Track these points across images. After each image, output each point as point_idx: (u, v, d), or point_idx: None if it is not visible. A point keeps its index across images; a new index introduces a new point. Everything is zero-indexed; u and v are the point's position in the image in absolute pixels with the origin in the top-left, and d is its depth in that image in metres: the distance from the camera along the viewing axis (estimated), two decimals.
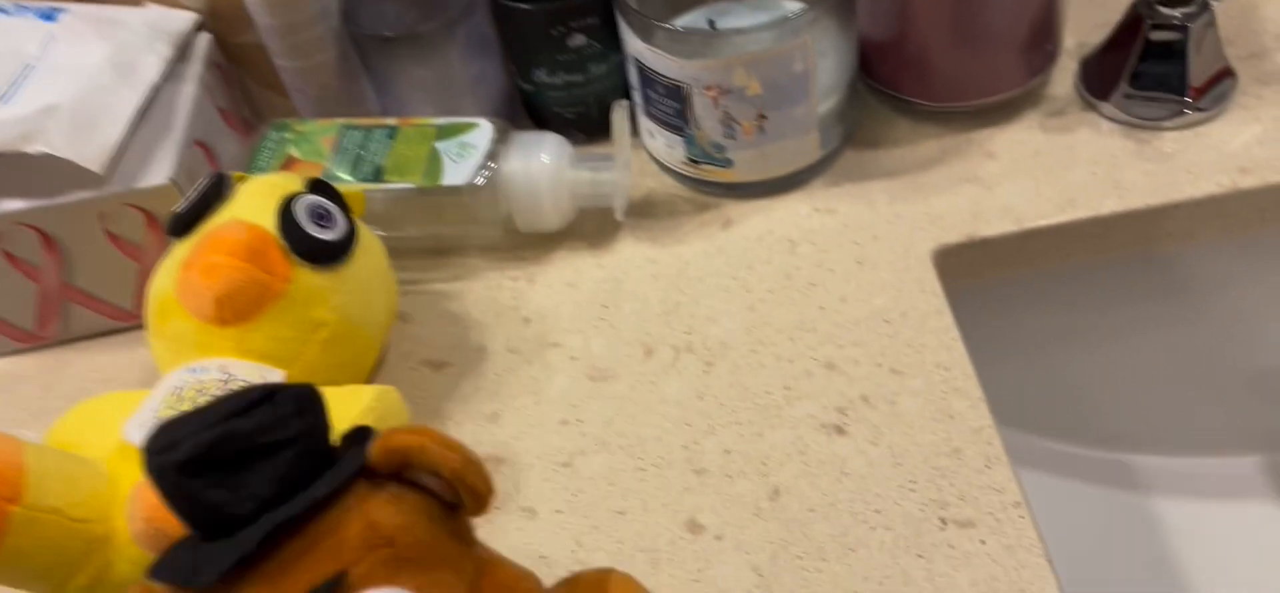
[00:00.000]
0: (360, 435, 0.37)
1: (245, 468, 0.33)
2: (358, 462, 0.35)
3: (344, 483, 0.34)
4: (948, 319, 0.59)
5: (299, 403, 0.35)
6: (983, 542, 0.50)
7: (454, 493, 0.35)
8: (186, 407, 0.44)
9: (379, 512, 0.34)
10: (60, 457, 0.49)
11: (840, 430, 0.56)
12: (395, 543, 0.34)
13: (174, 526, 0.42)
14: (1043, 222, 0.64)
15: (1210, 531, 0.77)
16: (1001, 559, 0.49)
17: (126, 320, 0.71)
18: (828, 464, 0.54)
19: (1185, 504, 0.78)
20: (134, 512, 0.43)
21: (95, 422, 0.56)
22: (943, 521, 0.51)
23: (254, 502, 0.33)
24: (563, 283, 0.67)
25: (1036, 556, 0.49)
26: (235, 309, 0.53)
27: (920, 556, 0.50)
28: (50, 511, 0.46)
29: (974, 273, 0.65)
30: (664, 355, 0.61)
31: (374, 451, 0.35)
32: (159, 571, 0.35)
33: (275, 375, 0.54)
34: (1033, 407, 0.79)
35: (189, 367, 0.54)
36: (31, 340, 0.71)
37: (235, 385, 0.51)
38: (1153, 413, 0.80)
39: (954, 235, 0.64)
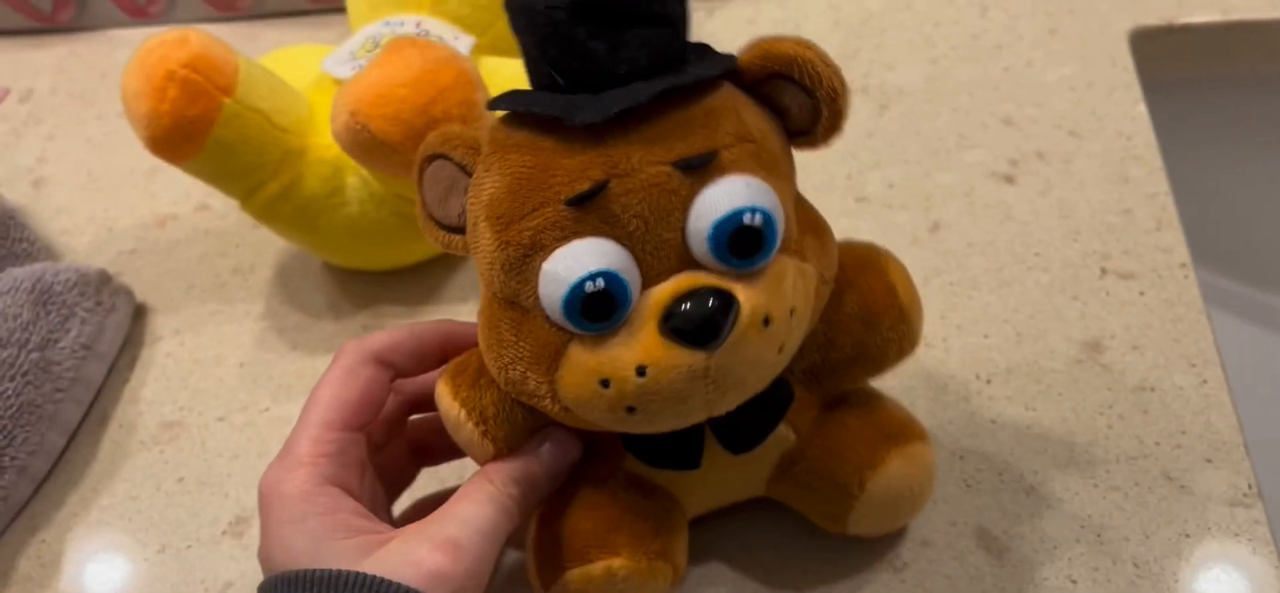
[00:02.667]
0: (701, 50, 0.36)
1: (627, 29, 0.32)
2: (731, 61, 0.34)
3: (720, 74, 0.34)
4: (1136, 93, 0.58)
5: None
6: (1142, 294, 0.49)
7: (811, 117, 0.34)
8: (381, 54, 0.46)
9: (747, 113, 0.33)
10: (267, 71, 0.52)
11: (1010, 180, 0.55)
12: (758, 143, 0.33)
13: (378, 120, 0.44)
14: (1250, 15, 0.61)
15: None
16: (1159, 311, 0.49)
17: (322, 2, 0.74)
18: (993, 208, 0.54)
19: None
20: (339, 107, 0.45)
21: (294, 62, 0.58)
22: (1103, 270, 0.50)
23: (629, 65, 0.32)
24: (743, 19, 0.67)
25: (1196, 312, 0.48)
26: None
27: (1075, 297, 0.50)
28: (256, 110, 0.49)
29: (1171, 61, 0.63)
30: None
31: (752, 53, 0.34)
32: (514, 101, 0.34)
33: (467, 40, 0.56)
34: (1207, 238, 0.76)
35: (385, 21, 0.57)
36: (228, 9, 0.75)
37: (432, 40, 0.53)
38: None
39: (1153, 17, 0.62)
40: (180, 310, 0.58)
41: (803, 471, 0.41)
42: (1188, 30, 0.62)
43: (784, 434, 0.40)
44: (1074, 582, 0.41)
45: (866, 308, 0.39)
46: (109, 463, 0.52)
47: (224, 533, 0.48)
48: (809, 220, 0.36)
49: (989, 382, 0.48)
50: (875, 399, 0.42)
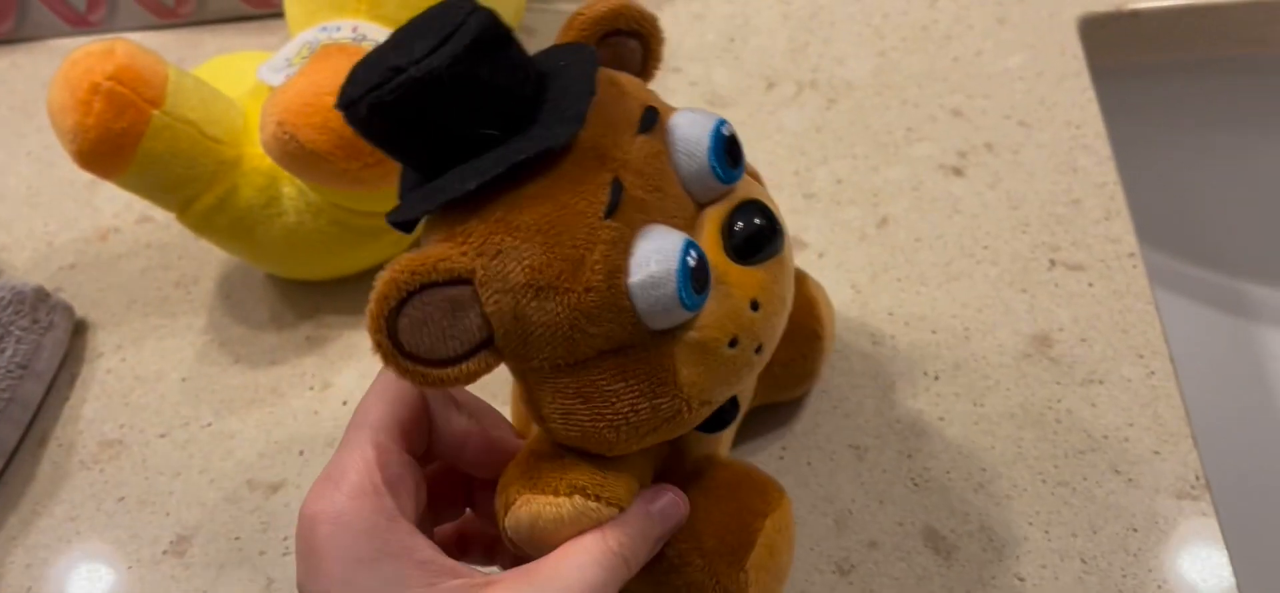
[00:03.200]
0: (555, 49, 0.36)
1: (511, 52, 0.31)
2: (591, 50, 0.34)
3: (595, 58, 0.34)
4: (1085, 81, 0.57)
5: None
6: (1090, 285, 0.49)
7: (642, 60, 0.36)
8: None
9: (623, 76, 0.34)
10: (199, 81, 0.50)
11: (958, 172, 0.55)
12: (653, 92, 0.35)
13: (307, 130, 0.43)
14: None
15: None
16: (1107, 302, 0.48)
17: (263, 7, 0.72)
18: (941, 201, 0.54)
19: None
20: (267, 117, 0.44)
21: (231, 70, 0.57)
22: (1052, 262, 0.50)
23: (534, 84, 0.31)
24: (691, 14, 0.67)
25: (1144, 302, 0.48)
26: None
27: (1024, 290, 0.49)
28: (186, 121, 0.48)
29: (1120, 48, 0.62)
30: (786, 90, 0.61)
31: (586, 30, 0.34)
32: (466, 177, 0.30)
33: None
34: (1157, 220, 0.76)
35: (321, 27, 0.56)
36: (169, 16, 0.73)
37: (366, 46, 0.52)
38: (1275, 245, 0.77)
39: (1102, 4, 0.61)
40: (121, 326, 0.57)
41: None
42: (1136, 16, 0.61)
43: None
44: (1021, 580, 0.41)
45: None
46: (48, 484, 0.50)
47: (165, 553, 0.47)
48: None
49: (937, 378, 0.47)
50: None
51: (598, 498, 0.33)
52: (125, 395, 0.54)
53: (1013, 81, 0.58)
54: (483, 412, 0.37)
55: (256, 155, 0.51)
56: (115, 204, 0.64)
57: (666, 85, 0.62)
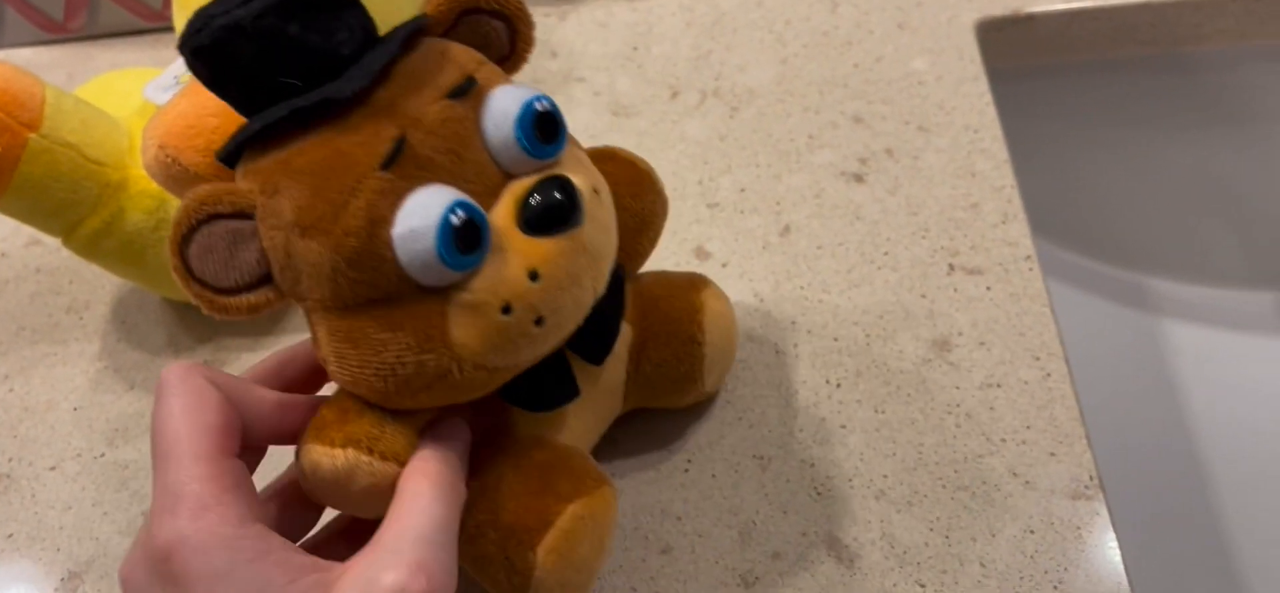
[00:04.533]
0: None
1: (331, 15, 0.32)
2: (423, 18, 0.35)
3: (421, 27, 0.35)
4: (983, 85, 0.58)
5: None
6: (988, 289, 0.49)
7: (508, 42, 0.37)
8: None
9: (460, 48, 0.35)
10: (79, 101, 0.49)
11: (859, 179, 0.55)
12: (493, 66, 0.35)
13: (189, 153, 0.42)
14: (1094, 2, 0.62)
15: (1218, 359, 0.76)
16: (1005, 306, 0.49)
17: (154, 21, 0.70)
18: (842, 208, 0.54)
19: (1196, 331, 0.77)
20: (149, 139, 0.43)
21: (114, 90, 0.56)
22: (951, 267, 0.51)
23: (349, 45, 0.33)
24: (594, 22, 0.66)
25: (1040, 305, 0.48)
26: None
27: (924, 296, 0.50)
28: (66, 144, 0.46)
29: (1017, 52, 0.63)
30: (690, 98, 0.61)
31: (436, 3, 0.36)
32: (254, 123, 0.33)
33: None
34: (1056, 214, 0.78)
35: None
36: (59, 31, 0.71)
37: None
38: (1178, 239, 0.79)
39: (999, 8, 0.62)
40: (9, 355, 0.55)
41: (649, 355, 0.43)
42: (1032, 19, 0.62)
43: (624, 330, 0.42)
44: (923, 586, 0.41)
45: (626, 182, 0.42)
46: None
47: (56, 591, 0.45)
48: None
49: (838, 386, 0.47)
50: (662, 274, 0.45)
51: (371, 451, 0.34)
52: (13, 427, 0.52)
53: (912, 87, 0.59)
54: (294, 376, 0.38)
55: (143, 177, 0.49)
56: (2, 227, 0.61)
57: (571, 95, 0.62)
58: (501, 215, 0.33)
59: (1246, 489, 0.70)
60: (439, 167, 0.32)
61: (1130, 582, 0.40)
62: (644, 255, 0.45)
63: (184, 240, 0.32)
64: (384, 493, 0.34)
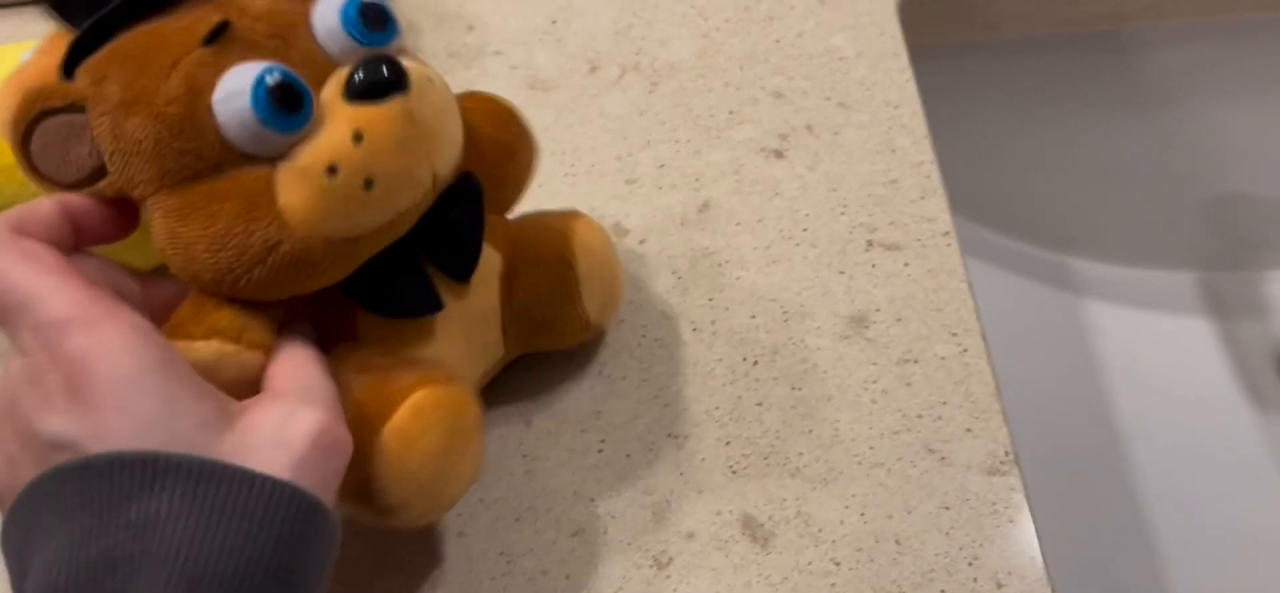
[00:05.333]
0: None
1: None
2: None
3: None
4: (903, 62, 0.58)
5: None
6: (906, 265, 0.49)
7: None
8: None
9: None
10: None
11: (779, 154, 0.54)
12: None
13: None
14: None
15: (1137, 338, 0.77)
16: (922, 282, 0.48)
17: None
18: (761, 184, 0.53)
19: (1117, 310, 0.78)
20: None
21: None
22: (869, 243, 0.50)
23: None
24: None
25: (958, 280, 0.48)
26: None
27: (842, 272, 0.49)
28: None
29: (938, 29, 0.63)
30: (609, 73, 0.59)
31: None
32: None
33: None
34: (979, 194, 0.78)
35: None
36: None
37: None
38: (1100, 220, 0.80)
39: None
40: None
41: (521, 281, 0.43)
42: None
43: (492, 256, 0.42)
44: (837, 564, 0.40)
45: (487, 114, 0.43)
46: None
47: None
48: None
49: (755, 364, 0.46)
50: (534, 215, 0.45)
51: (238, 341, 0.34)
52: None
53: (833, 62, 0.58)
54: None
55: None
56: None
57: (486, 69, 0.60)
58: (330, 89, 0.34)
59: (1162, 464, 0.71)
60: (265, 49, 0.33)
61: (1044, 556, 0.40)
62: (513, 185, 0.44)
63: (24, 139, 0.33)
64: (251, 384, 0.35)
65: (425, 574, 0.42)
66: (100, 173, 0.33)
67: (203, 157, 0.32)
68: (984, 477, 0.42)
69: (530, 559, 0.42)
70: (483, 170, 0.39)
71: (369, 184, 0.33)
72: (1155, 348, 0.76)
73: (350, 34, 0.34)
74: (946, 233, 0.50)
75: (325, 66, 0.34)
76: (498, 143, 0.42)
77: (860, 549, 0.41)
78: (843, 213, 0.51)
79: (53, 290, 0.30)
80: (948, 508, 0.42)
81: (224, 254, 0.33)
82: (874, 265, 0.49)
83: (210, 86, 0.32)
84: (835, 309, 0.48)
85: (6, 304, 0.30)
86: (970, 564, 0.40)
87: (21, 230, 0.32)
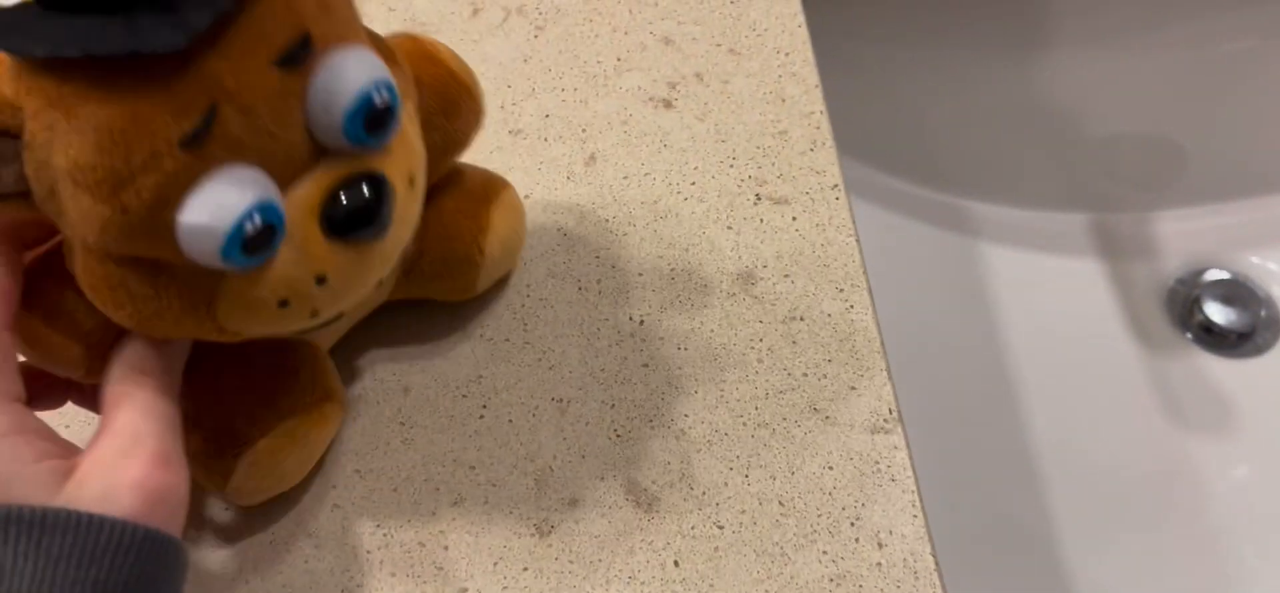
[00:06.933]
0: None
1: None
2: None
3: None
4: (795, 6, 0.57)
5: None
6: (794, 219, 0.48)
7: None
8: None
9: None
10: None
11: (668, 104, 0.53)
12: (330, 2, 0.31)
13: None
14: None
15: (1030, 280, 0.78)
16: (810, 236, 0.48)
17: None
18: (650, 136, 0.52)
19: (1011, 252, 0.79)
20: None
21: None
22: (758, 197, 0.49)
23: None
24: None
25: (845, 234, 0.48)
26: None
27: (730, 227, 0.48)
28: None
29: None
30: (492, 16, 0.57)
31: None
32: (32, 40, 0.27)
33: None
34: (874, 138, 0.78)
35: None
36: None
37: None
38: (991, 162, 0.80)
39: None
40: None
41: (425, 265, 0.42)
42: None
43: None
44: (721, 528, 0.40)
45: (442, 97, 0.40)
46: None
47: None
48: (371, 35, 0.35)
49: (641, 323, 0.45)
50: (457, 173, 0.44)
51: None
52: None
53: (723, 6, 0.57)
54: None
55: None
56: None
57: (363, 10, 0.57)
58: (303, 202, 0.30)
59: (1051, 404, 0.72)
60: (248, 148, 0.29)
61: (925, 516, 0.40)
62: (444, 171, 0.43)
63: None
64: (70, 366, 0.34)
65: (298, 550, 0.40)
66: (20, 197, 0.29)
67: (150, 252, 0.30)
68: (867, 435, 0.42)
69: (408, 531, 0.41)
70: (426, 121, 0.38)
71: (315, 314, 0.32)
72: (1047, 289, 0.77)
73: (347, 138, 0.30)
74: (835, 186, 0.49)
75: (307, 156, 0.30)
76: (448, 136, 0.41)
77: (743, 512, 0.40)
78: (732, 166, 0.50)
79: None
80: (831, 468, 0.41)
81: (146, 325, 0.31)
82: (762, 220, 0.48)
83: (179, 198, 0.28)
84: (722, 266, 0.47)
85: None
86: (852, 524, 0.40)
87: None
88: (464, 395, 0.44)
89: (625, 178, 0.50)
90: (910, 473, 0.41)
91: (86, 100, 0.27)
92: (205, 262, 0.29)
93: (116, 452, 0.31)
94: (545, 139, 0.52)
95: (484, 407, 0.44)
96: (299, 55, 0.29)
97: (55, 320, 0.33)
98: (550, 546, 0.40)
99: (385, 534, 0.40)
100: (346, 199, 0.30)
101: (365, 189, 0.31)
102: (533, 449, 0.42)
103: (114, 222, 0.28)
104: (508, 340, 0.45)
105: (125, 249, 0.30)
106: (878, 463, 0.41)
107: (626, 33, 0.56)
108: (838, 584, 0.39)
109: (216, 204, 0.28)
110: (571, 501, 0.41)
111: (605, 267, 0.47)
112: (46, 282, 0.34)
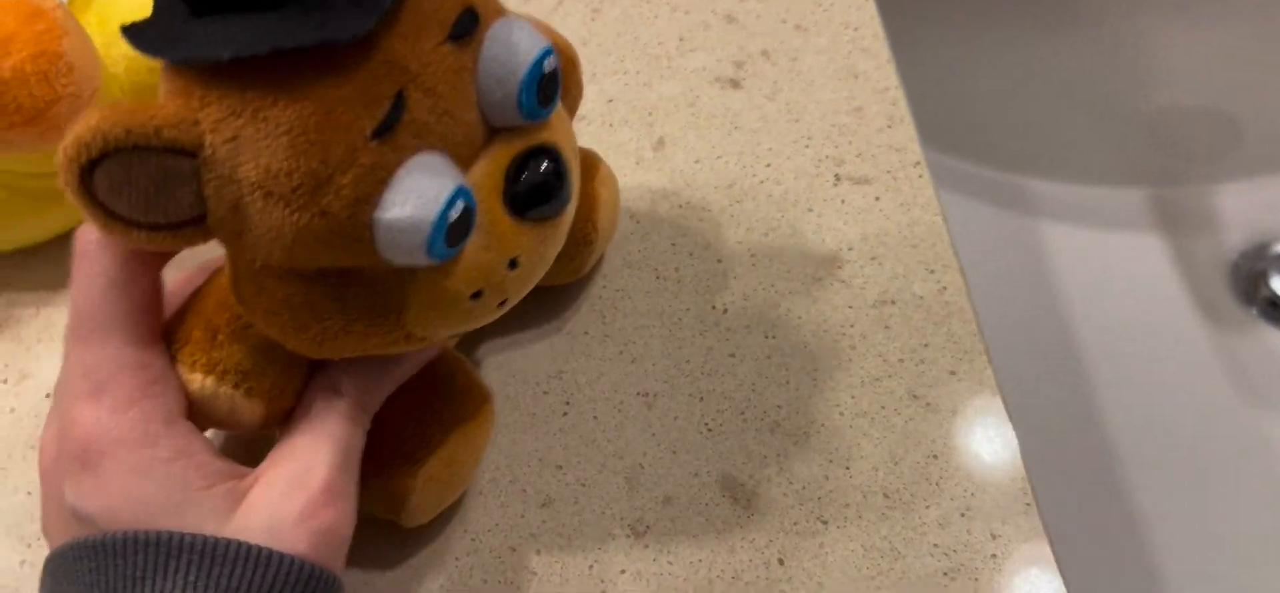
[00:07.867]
0: None
1: None
2: None
3: None
4: None
5: None
6: (877, 199, 0.46)
7: None
8: None
9: None
10: None
11: (735, 84, 0.51)
12: None
13: None
14: None
15: (1090, 258, 0.76)
16: (895, 217, 0.46)
17: None
18: (719, 117, 0.50)
19: (1069, 230, 0.77)
20: None
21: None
22: (837, 177, 0.47)
23: None
24: None
25: (931, 213, 0.46)
26: None
27: (810, 210, 0.46)
28: None
29: None
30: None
31: None
32: (214, 43, 0.25)
33: None
34: (928, 116, 0.76)
35: None
36: None
37: None
38: (1047, 138, 0.78)
39: None
40: None
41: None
42: None
43: None
44: (825, 523, 0.38)
45: None
46: None
47: None
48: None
49: (725, 312, 0.44)
50: None
51: (237, 387, 0.31)
52: None
53: None
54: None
55: None
56: None
57: None
58: (484, 183, 0.29)
59: (1120, 384, 0.70)
60: (432, 131, 0.27)
61: (1039, 506, 0.38)
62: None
63: (90, 166, 0.25)
64: (247, 426, 0.33)
65: (386, 558, 0.38)
66: (193, 223, 0.28)
67: (342, 261, 0.28)
68: (972, 422, 0.40)
69: (496, 535, 0.39)
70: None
71: (504, 303, 0.31)
72: (1108, 267, 0.75)
73: (521, 111, 0.29)
74: (918, 163, 0.47)
75: (482, 136, 0.29)
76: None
77: (847, 506, 0.39)
78: (807, 146, 0.48)
79: (114, 341, 0.30)
80: (935, 457, 0.40)
81: (329, 346, 0.30)
82: (844, 201, 0.46)
83: (375, 198, 0.26)
84: (806, 250, 0.45)
85: (77, 318, 0.31)
86: (963, 516, 0.38)
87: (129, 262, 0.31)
88: (545, 392, 0.42)
89: (697, 162, 0.48)
90: (1019, 456, 0.39)
91: (274, 102, 0.26)
92: (405, 259, 0.28)
93: (287, 481, 0.30)
94: (610, 125, 0.50)
95: (567, 403, 0.42)
96: (470, 28, 0.28)
97: (243, 381, 0.32)
98: (646, 546, 0.38)
99: (473, 539, 0.39)
100: (529, 174, 0.29)
101: (543, 164, 0.30)
102: (621, 446, 0.41)
103: (311, 229, 0.27)
104: (587, 334, 0.43)
105: (314, 261, 0.28)
106: (983, 448, 0.40)
107: (687, 11, 0.54)
108: (952, 579, 0.37)
109: (418, 195, 0.26)
110: (665, 498, 0.39)
111: (682, 254, 0.45)
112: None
